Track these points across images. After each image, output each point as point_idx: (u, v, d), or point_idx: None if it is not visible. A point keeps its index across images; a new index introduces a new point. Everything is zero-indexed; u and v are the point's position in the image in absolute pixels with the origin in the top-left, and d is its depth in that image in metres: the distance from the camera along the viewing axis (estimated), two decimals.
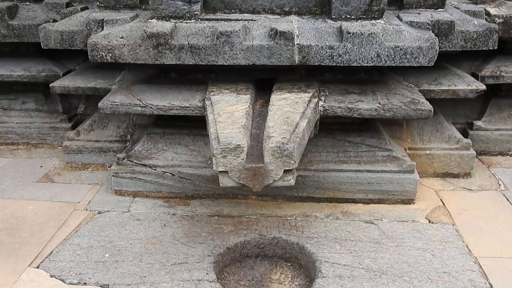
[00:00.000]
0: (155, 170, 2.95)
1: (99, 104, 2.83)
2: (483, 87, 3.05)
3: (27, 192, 3.08)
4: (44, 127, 3.74)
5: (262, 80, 2.95)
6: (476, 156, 3.29)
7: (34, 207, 2.89)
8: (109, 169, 3.25)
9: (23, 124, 3.75)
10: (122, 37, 2.70)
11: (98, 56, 2.73)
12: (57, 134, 3.73)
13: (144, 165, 2.97)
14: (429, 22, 2.74)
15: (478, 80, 3.23)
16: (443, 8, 2.98)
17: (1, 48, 3.64)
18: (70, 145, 3.36)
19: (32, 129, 3.74)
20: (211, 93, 2.75)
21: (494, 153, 3.51)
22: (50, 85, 3.26)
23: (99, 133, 3.42)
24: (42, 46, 3.06)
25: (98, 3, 3.12)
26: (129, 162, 2.99)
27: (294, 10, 2.86)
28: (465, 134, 3.42)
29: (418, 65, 2.61)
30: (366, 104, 2.70)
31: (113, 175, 2.98)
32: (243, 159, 2.23)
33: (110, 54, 2.71)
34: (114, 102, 2.82)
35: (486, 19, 3.06)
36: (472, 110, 3.56)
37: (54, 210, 2.85)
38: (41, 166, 3.43)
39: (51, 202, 2.95)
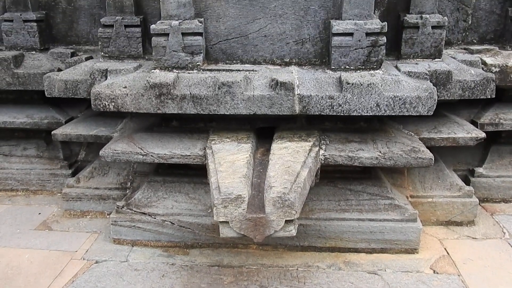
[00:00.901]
0: (155, 218, 2.92)
1: (101, 152, 2.84)
2: (483, 135, 3.06)
3: (24, 240, 3.03)
4: (44, 174, 3.73)
5: (263, 128, 2.97)
6: (479, 203, 3.27)
7: (31, 256, 2.84)
8: (108, 217, 3.22)
9: (23, 170, 3.75)
10: (125, 87, 2.74)
11: (101, 105, 2.76)
12: (57, 180, 3.72)
13: (144, 213, 2.95)
14: (427, 72, 2.79)
15: (477, 127, 3.25)
16: (440, 58, 3.04)
17: (6, 95, 3.69)
18: (70, 192, 3.35)
19: (32, 176, 3.73)
20: (212, 142, 2.76)
21: (497, 200, 3.49)
22: (52, 132, 3.28)
23: (99, 180, 3.41)
24: (46, 94, 3.11)
25: (102, 54, 3.19)
26: (128, 210, 2.97)
27: (294, 61, 2.91)
28: (466, 181, 3.41)
29: (418, 114, 2.64)
30: (366, 153, 2.70)
31: (112, 224, 2.95)
32: (244, 209, 2.21)
33: (113, 104, 2.74)
34: (115, 150, 2.83)
35: (482, 68, 3.11)
36: (473, 156, 3.57)
37: (51, 259, 2.81)
38: (39, 213, 3.41)
39: (48, 251, 2.91)
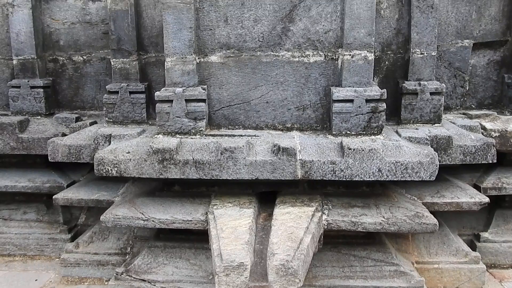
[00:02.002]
0: (154, 285, 2.84)
1: (102, 217, 2.81)
2: (486, 199, 3.04)
3: None
4: (43, 238, 3.67)
5: (265, 192, 2.96)
6: (487, 270, 3.19)
7: None
8: (106, 283, 3.13)
9: (21, 235, 3.69)
10: (128, 152, 2.77)
11: (104, 171, 2.77)
12: (55, 245, 3.66)
13: (143, 280, 2.87)
14: (427, 137, 2.81)
15: (480, 191, 3.23)
16: (439, 123, 3.08)
17: (9, 159, 3.71)
18: (68, 258, 3.28)
19: (31, 240, 3.68)
20: (214, 207, 2.75)
21: (505, 266, 3.40)
22: (53, 197, 3.26)
23: (99, 245, 3.36)
24: (49, 159, 3.13)
25: (107, 119, 3.25)
26: (127, 276, 2.89)
27: (296, 126, 2.96)
28: (472, 246, 3.34)
29: (420, 179, 2.63)
30: (370, 218, 2.67)
31: None
32: (246, 277, 2.16)
33: (116, 169, 2.75)
34: (116, 215, 2.80)
35: (482, 133, 3.14)
36: (478, 221, 3.52)
37: None
38: (36, 280, 3.32)
39: None
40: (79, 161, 3.09)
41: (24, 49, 3.56)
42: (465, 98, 3.50)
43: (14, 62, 3.60)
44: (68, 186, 3.58)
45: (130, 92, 3.20)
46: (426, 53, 3.04)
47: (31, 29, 3.52)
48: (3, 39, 3.69)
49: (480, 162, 2.97)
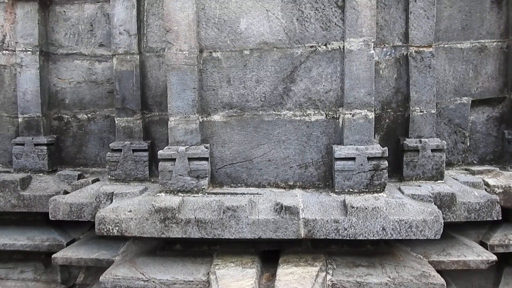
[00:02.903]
0: None
1: (101, 278, 2.75)
2: (494, 257, 2.98)
3: None
4: None
5: (268, 251, 2.91)
6: None
7: None
8: None
9: None
10: (130, 211, 2.75)
11: (105, 230, 2.74)
12: None
13: None
14: (431, 194, 2.80)
15: (487, 249, 3.17)
16: (442, 180, 3.08)
17: (9, 216, 3.68)
18: None
19: None
20: (216, 267, 2.70)
21: None
22: (52, 256, 3.21)
23: None
24: (50, 217, 3.10)
25: (109, 177, 3.25)
26: None
27: (298, 184, 2.95)
28: None
29: (425, 238, 2.60)
30: (375, 278, 2.61)
31: None
32: None
33: (117, 228, 2.72)
34: (116, 276, 2.75)
35: (486, 189, 3.13)
36: (486, 280, 3.44)
37: None
38: None
39: None
40: (80, 219, 3.06)
41: (30, 107, 3.62)
42: (467, 154, 3.51)
43: (20, 120, 3.66)
44: (67, 244, 3.53)
45: (133, 150, 3.22)
46: (426, 111, 3.08)
47: (37, 88, 3.60)
48: (10, 98, 3.76)
49: (485, 219, 2.94)
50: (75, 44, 3.65)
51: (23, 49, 3.56)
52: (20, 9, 3.54)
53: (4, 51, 3.70)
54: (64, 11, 3.63)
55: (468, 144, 3.49)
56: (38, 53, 3.57)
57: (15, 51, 3.61)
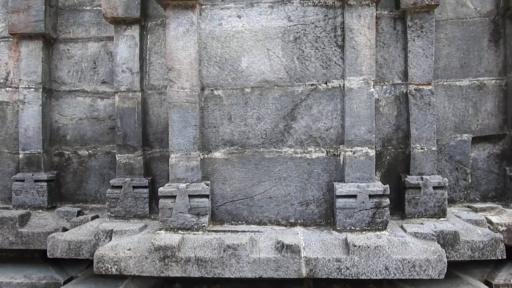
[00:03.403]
0: None
1: None
2: None
3: None
4: None
5: None
6: None
7: None
8: None
9: None
10: (129, 249, 2.71)
11: (103, 268, 2.70)
12: None
13: None
14: (433, 232, 2.77)
15: None
16: (445, 218, 3.05)
17: (6, 253, 3.63)
18: None
19: None
20: None
21: None
22: None
23: None
24: (48, 255, 3.06)
25: (109, 213, 3.23)
26: None
27: (299, 221, 2.93)
28: None
29: (429, 277, 2.55)
30: None
31: None
32: None
33: (116, 266, 2.68)
34: None
35: (489, 227, 3.09)
36: None
37: None
38: None
39: None
40: (78, 257, 3.02)
41: (31, 144, 3.63)
42: (469, 191, 3.49)
43: (20, 156, 3.66)
44: (65, 282, 3.46)
45: (134, 187, 3.21)
46: (427, 148, 3.09)
47: (39, 125, 3.61)
48: (11, 134, 3.78)
49: (489, 258, 2.90)
50: (78, 81, 3.70)
51: (26, 86, 3.60)
52: (24, 47, 3.60)
53: (7, 88, 3.74)
54: (68, 49, 3.69)
55: (469, 181, 3.47)
56: (41, 90, 3.60)
57: (18, 88, 3.65)
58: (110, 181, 3.25)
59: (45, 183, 3.63)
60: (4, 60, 3.73)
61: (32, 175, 3.63)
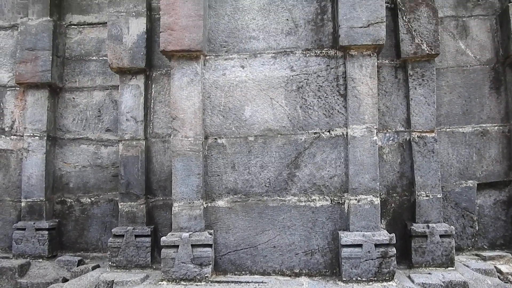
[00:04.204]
0: None
1: None
2: None
3: None
4: None
5: None
6: None
7: None
8: None
9: None
10: None
11: None
12: None
13: None
14: (442, 283, 2.70)
15: None
16: (453, 267, 2.98)
17: None
18: None
19: None
20: None
21: None
22: None
23: None
24: None
25: (110, 263, 3.17)
26: None
27: (304, 271, 2.86)
28: None
29: None
30: None
31: None
32: None
33: None
34: None
35: (498, 277, 3.02)
36: None
37: None
38: None
39: None
40: None
41: (33, 192, 3.62)
42: (476, 239, 3.43)
43: (22, 204, 3.64)
44: None
45: (136, 236, 3.17)
46: (432, 196, 3.06)
47: (42, 173, 3.61)
48: (14, 182, 3.77)
49: None
50: (82, 129, 3.73)
51: (31, 134, 3.63)
52: (31, 96, 3.66)
53: (12, 136, 3.77)
54: (74, 98, 3.74)
55: (477, 228, 3.42)
56: (45, 138, 3.63)
57: (23, 136, 3.68)
58: (112, 230, 3.21)
59: (46, 232, 3.59)
60: (10, 109, 3.78)
61: (34, 223, 3.59)
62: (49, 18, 3.63)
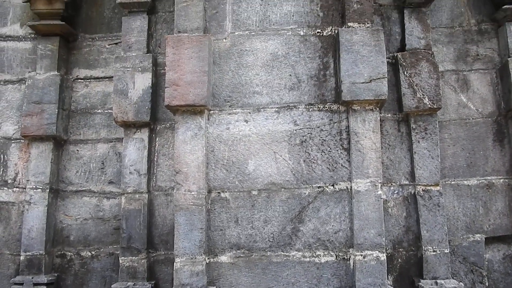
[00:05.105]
0: None
1: None
2: None
3: None
4: None
5: None
6: None
7: None
8: None
9: None
10: None
11: None
12: None
13: None
14: None
15: None
16: None
17: None
18: None
19: None
20: None
21: None
22: None
23: None
24: None
25: None
26: None
27: None
28: None
29: None
30: None
31: None
32: None
33: None
34: None
35: None
36: None
37: None
38: None
39: None
40: None
41: (33, 245, 3.55)
42: None
43: (21, 258, 3.56)
44: None
45: None
46: (439, 251, 2.99)
47: (43, 226, 3.56)
48: (14, 235, 3.71)
49: None
50: (85, 182, 3.71)
51: (34, 186, 3.61)
52: (35, 148, 3.67)
53: (14, 189, 3.75)
54: (78, 150, 3.75)
55: (486, 284, 3.32)
56: (47, 190, 3.60)
57: (25, 188, 3.66)
58: (112, 286, 3.13)
59: (45, 287, 3.50)
60: (14, 161, 3.78)
61: (32, 278, 3.51)
62: (56, 73, 3.70)
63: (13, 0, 3.93)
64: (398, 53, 3.21)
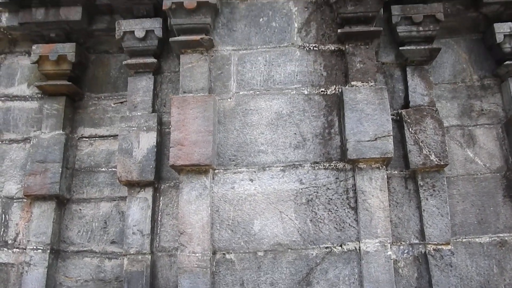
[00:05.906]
0: None
1: None
2: None
3: None
4: None
5: None
6: None
7: None
8: None
9: None
10: None
11: None
12: None
13: None
14: None
15: None
16: None
17: None
18: None
19: None
20: None
21: None
22: None
23: None
24: None
25: None
26: None
27: None
28: None
29: None
30: None
31: None
32: None
33: None
34: None
35: None
36: None
37: None
38: None
39: None
40: None
41: None
42: None
43: None
44: None
45: None
46: None
47: None
48: None
49: None
50: (87, 241, 3.63)
51: (34, 247, 3.53)
52: (37, 208, 3.62)
53: (14, 249, 3.67)
54: (80, 209, 3.70)
55: None
56: (48, 251, 3.52)
57: (25, 249, 3.57)
58: None
59: None
60: (15, 221, 3.72)
61: None
62: (61, 132, 3.71)
63: (21, 62, 4.01)
64: (402, 110, 3.21)
